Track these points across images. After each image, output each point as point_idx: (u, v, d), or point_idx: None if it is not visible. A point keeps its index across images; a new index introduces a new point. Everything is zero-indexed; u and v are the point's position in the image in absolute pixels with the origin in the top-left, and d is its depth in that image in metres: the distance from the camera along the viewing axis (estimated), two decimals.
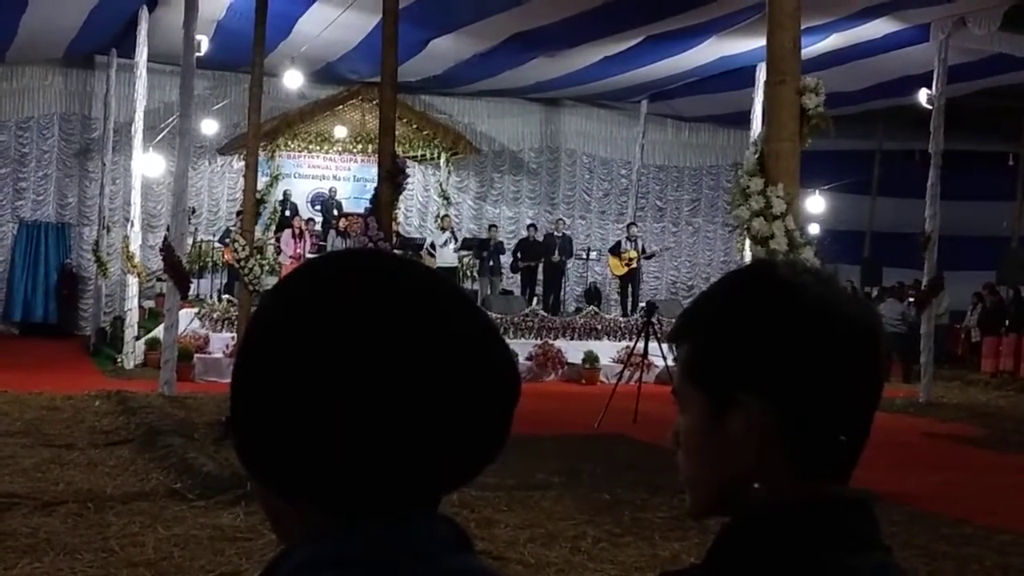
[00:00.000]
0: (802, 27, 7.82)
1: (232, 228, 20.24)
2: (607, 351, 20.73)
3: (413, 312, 1.03)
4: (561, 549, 7.53)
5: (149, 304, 21.75)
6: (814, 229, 20.63)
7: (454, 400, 1.02)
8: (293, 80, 21.82)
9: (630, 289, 23.71)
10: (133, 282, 19.82)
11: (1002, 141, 27.83)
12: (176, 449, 10.64)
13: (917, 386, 18.72)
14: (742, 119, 22.37)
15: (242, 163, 18.20)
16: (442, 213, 25.38)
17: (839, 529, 1.19)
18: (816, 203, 24.79)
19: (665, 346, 15.10)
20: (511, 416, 1.09)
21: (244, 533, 7.67)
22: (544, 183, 28.99)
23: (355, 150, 26.06)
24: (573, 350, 20.73)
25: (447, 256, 22.72)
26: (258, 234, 16.01)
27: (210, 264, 22.87)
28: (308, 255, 21.72)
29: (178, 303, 15.94)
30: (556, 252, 23.55)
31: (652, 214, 29.54)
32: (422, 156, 26.37)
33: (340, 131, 25.16)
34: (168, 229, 17.45)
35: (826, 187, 25.81)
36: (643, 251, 23.86)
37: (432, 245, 23.25)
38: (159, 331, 17.46)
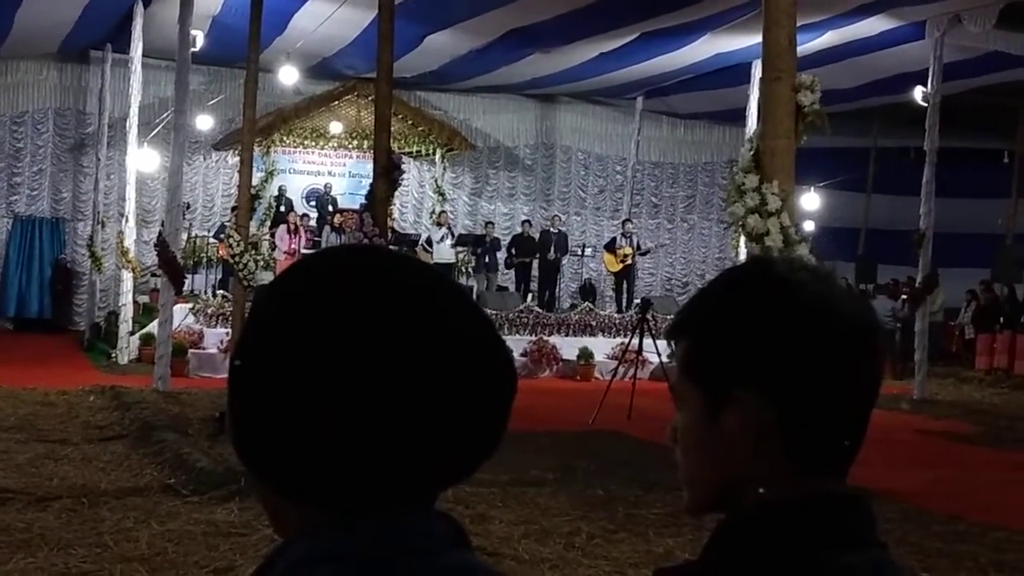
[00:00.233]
0: (798, 24, 7.83)
1: (227, 224, 20.20)
2: (602, 347, 20.74)
3: (409, 308, 1.03)
4: (555, 545, 7.53)
5: (143, 299, 21.75)
6: (809, 226, 20.62)
7: (450, 396, 1.02)
8: (288, 76, 21.79)
9: (625, 285, 23.73)
10: (127, 277, 19.79)
11: (997, 138, 27.86)
12: (170, 445, 10.63)
13: (911, 383, 18.74)
14: (737, 116, 22.37)
15: (237, 159, 18.16)
16: (439, 209, 25.36)
17: (836, 526, 1.19)
18: (811, 200, 24.80)
19: (660, 342, 15.13)
20: (508, 412, 1.09)
21: (238, 529, 7.67)
22: (539, 179, 28.99)
23: (350, 146, 26.05)
24: (568, 346, 20.73)
25: (444, 252, 22.72)
26: (253, 230, 15.99)
27: (205, 259, 22.88)
28: (303, 251, 21.71)
29: (172, 298, 15.94)
30: (552, 249, 23.56)
31: (647, 211, 29.55)
32: (417, 152, 26.35)
33: (335, 127, 25.14)
34: (163, 224, 17.45)
35: (821, 184, 25.83)
36: (638, 247, 23.87)
37: (428, 241, 23.25)
38: (153, 326, 17.47)
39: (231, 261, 16.49)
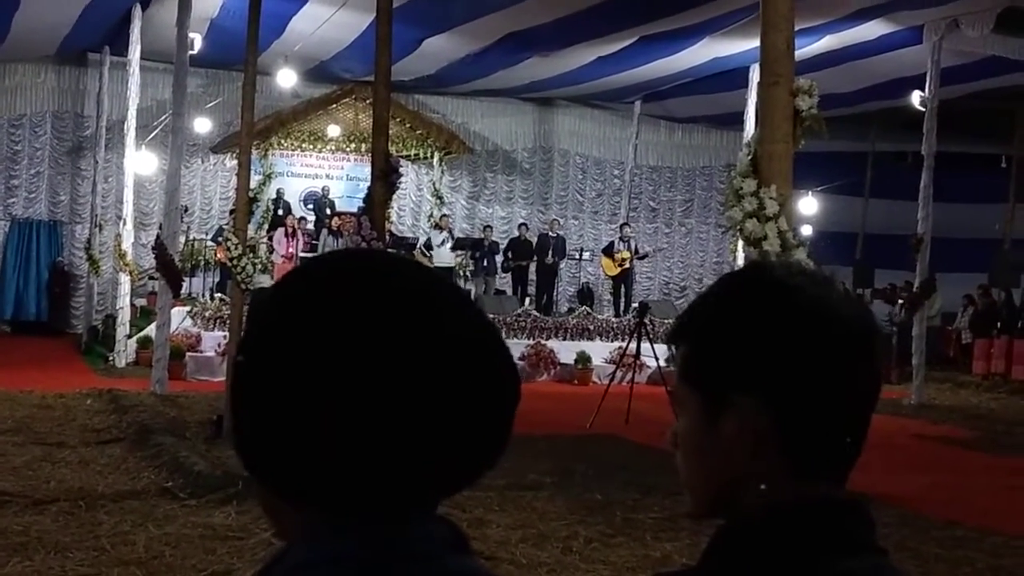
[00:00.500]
0: (796, 28, 7.83)
1: (225, 227, 20.19)
2: (599, 351, 20.73)
3: (409, 312, 1.03)
4: (553, 549, 7.53)
5: (141, 302, 21.74)
6: (807, 230, 20.67)
7: (450, 400, 1.02)
8: (286, 79, 21.80)
9: (623, 290, 23.74)
10: (125, 280, 19.77)
11: (995, 143, 27.86)
12: (167, 448, 10.63)
13: (909, 387, 18.74)
14: (735, 120, 22.38)
15: (235, 161, 18.13)
16: (440, 213, 25.36)
17: (835, 531, 1.19)
18: (809, 204, 24.80)
19: (658, 346, 15.12)
20: (511, 417, 1.09)
21: (235, 532, 7.66)
22: (537, 183, 28.98)
23: (348, 149, 26.06)
24: (565, 350, 20.73)
25: (444, 256, 22.74)
26: (251, 233, 15.95)
27: (202, 262, 22.86)
28: (301, 254, 21.73)
29: (170, 301, 15.94)
30: (549, 253, 23.57)
31: (645, 215, 29.55)
32: (415, 155, 26.35)
33: (333, 130, 25.14)
34: (160, 227, 17.45)
35: (819, 188, 25.83)
36: (636, 252, 23.88)
37: (426, 245, 23.26)
38: (151, 329, 17.46)
39: (229, 264, 16.43)
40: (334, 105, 24.95)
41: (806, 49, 17.14)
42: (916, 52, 19.12)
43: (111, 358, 19.36)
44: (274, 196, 25.02)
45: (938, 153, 18.40)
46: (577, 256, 25.28)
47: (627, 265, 23.54)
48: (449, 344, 1.03)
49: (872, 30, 19.02)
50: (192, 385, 16.82)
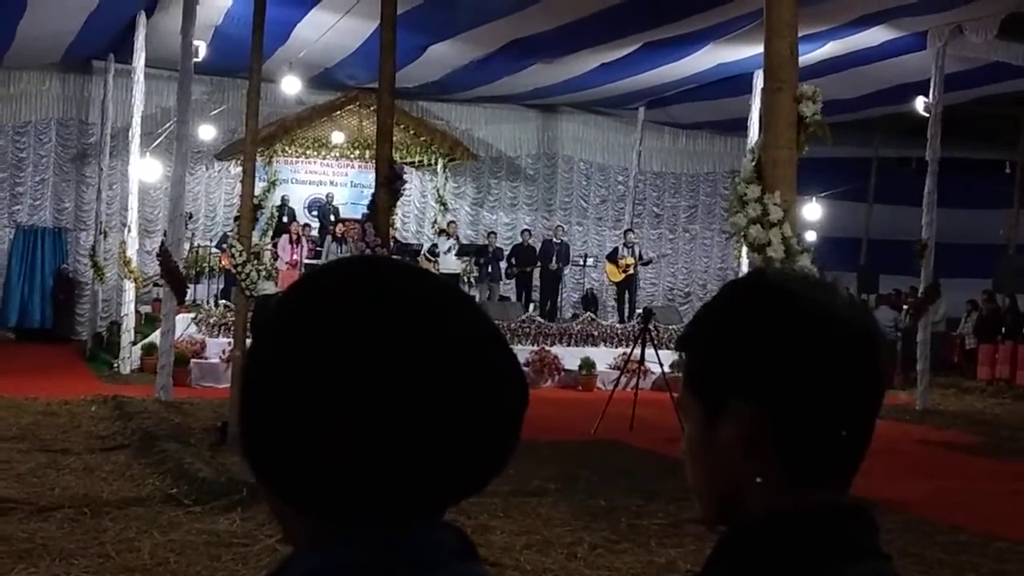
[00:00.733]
0: (799, 35, 7.83)
1: (229, 233, 20.20)
2: (604, 357, 20.72)
3: (415, 320, 1.03)
4: (557, 555, 7.53)
5: (146, 309, 21.74)
6: (811, 236, 20.64)
7: (458, 408, 1.03)
8: (291, 86, 21.82)
9: (627, 295, 23.74)
10: (130, 287, 19.78)
11: (999, 149, 27.86)
12: (172, 454, 10.63)
13: (913, 393, 18.72)
14: (739, 126, 22.38)
15: (239, 168, 18.16)
16: (447, 220, 25.37)
17: (839, 538, 1.20)
18: (813, 210, 24.82)
19: (662, 352, 15.14)
20: (518, 424, 1.09)
21: (240, 539, 7.66)
22: (541, 189, 28.98)
23: (352, 156, 26.07)
24: (570, 356, 20.72)
25: (450, 263, 22.76)
26: (255, 240, 15.96)
27: (207, 269, 22.86)
28: (305, 261, 21.75)
29: (175, 308, 15.95)
30: (553, 259, 23.58)
31: (649, 221, 29.54)
32: (419, 162, 26.36)
33: (337, 137, 25.16)
34: (165, 234, 17.44)
35: (823, 194, 25.85)
36: (640, 258, 23.89)
37: (430, 251, 23.27)
38: (155, 336, 17.46)
39: (233, 271, 16.45)
40: (338, 112, 24.96)
41: (810, 55, 17.15)
42: (920, 58, 19.12)
43: (116, 365, 19.35)
44: (278, 203, 25.04)
45: (942, 159, 18.41)
46: (581, 262, 25.28)
47: (631, 271, 23.54)
48: (456, 351, 1.04)
49: (876, 36, 19.02)
50: (196, 392, 16.82)
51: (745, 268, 13.51)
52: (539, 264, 23.73)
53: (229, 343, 17.93)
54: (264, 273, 16.46)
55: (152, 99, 21.36)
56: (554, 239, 24.24)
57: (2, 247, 24.90)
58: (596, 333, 21.56)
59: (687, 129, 29.15)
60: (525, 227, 26.16)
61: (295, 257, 21.85)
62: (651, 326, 15.64)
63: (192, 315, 19.20)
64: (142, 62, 19.09)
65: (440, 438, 1.02)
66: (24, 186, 24.96)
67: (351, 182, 26.20)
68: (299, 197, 25.76)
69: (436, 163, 26.65)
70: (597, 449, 12.55)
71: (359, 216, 22.00)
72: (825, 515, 1.21)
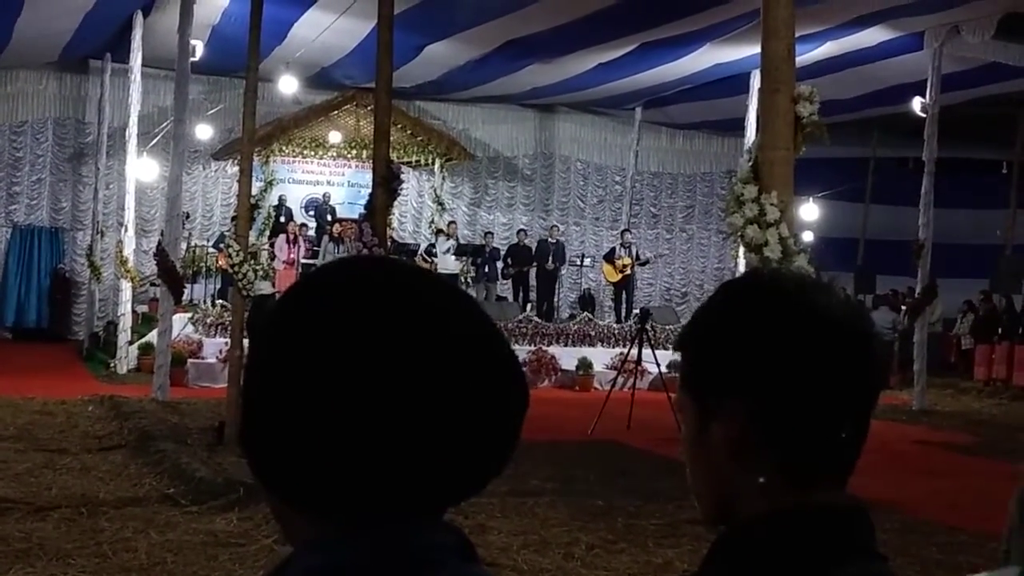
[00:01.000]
0: (797, 35, 7.83)
1: (226, 233, 20.19)
2: (601, 358, 20.73)
3: (414, 320, 1.03)
4: (554, 556, 7.53)
5: (142, 309, 21.74)
6: (808, 236, 20.65)
7: (458, 408, 1.03)
8: (288, 85, 21.82)
9: (624, 296, 23.75)
10: (127, 287, 19.78)
11: (995, 149, 27.88)
12: (169, 454, 10.63)
13: (910, 393, 18.73)
14: (736, 126, 22.39)
15: (236, 168, 18.13)
16: (447, 220, 25.37)
17: (834, 538, 1.20)
18: (810, 210, 24.81)
19: (659, 352, 15.14)
20: (518, 425, 1.09)
21: (237, 539, 7.66)
22: (538, 189, 28.99)
23: (349, 155, 26.06)
24: (567, 356, 20.73)
25: (449, 263, 22.76)
26: (252, 239, 15.96)
27: (204, 269, 22.84)
28: (302, 260, 21.74)
29: (172, 308, 15.94)
30: (549, 259, 23.58)
31: (646, 221, 29.56)
32: (416, 162, 26.36)
33: (335, 136, 25.16)
34: (162, 234, 17.44)
35: (820, 195, 25.84)
36: (637, 258, 23.89)
37: (427, 251, 23.26)
38: (152, 336, 17.46)
39: (230, 271, 16.46)
40: (335, 112, 24.96)
41: (807, 55, 17.15)
42: (917, 58, 19.14)
43: (112, 364, 19.34)
44: (276, 203, 25.03)
45: (939, 159, 18.42)
46: (578, 262, 25.29)
47: (628, 271, 23.55)
48: (456, 350, 1.04)
49: (873, 36, 19.03)
50: (193, 392, 16.82)
51: (742, 268, 13.51)
52: (535, 264, 23.73)
53: (226, 343, 17.90)
54: (261, 273, 16.48)
55: (149, 98, 21.37)
56: (549, 239, 24.25)
57: None
58: (593, 333, 21.57)
59: (684, 129, 29.17)
60: (522, 227, 26.16)
61: (292, 257, 21.85)
62: (648, 326, 15.64)
63: (189, 315, 19.20)
64: (139, 61, 19.09)
65: (440, 438, 1.02)
66: (21, 186, 24.95)
67: (348, 182, 26.20)
68: (296, 197, 25.76)
69: (433, 163, 26.65)
70: (594, 449, 12.55)
71: (356, 216, 21.99)
72: (821, 515, 1.21)
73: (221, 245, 19.44)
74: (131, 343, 19.43)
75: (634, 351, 15.42)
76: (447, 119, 27.30)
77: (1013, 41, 17.98)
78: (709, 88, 23.47)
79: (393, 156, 12.63)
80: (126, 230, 19.52)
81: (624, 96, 25.42)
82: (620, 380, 16.49)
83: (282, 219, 24.17)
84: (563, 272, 25.04)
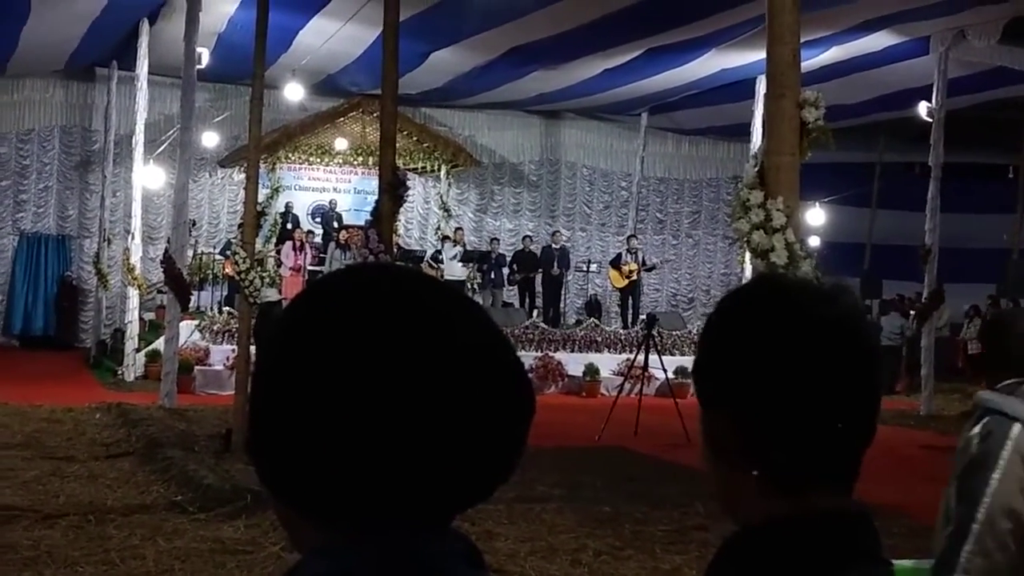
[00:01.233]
0: (802, 40, 7.82)
1: (233, 240, 20.22)
2: (608, 363, 20.72)
3: (422, 327, 1.04)
4: (562, 562, 7.52)
5: (149, 316, 21.75)
6: (814, 241, 20.63)
7: (466, 415, 1.03)
8: (294, 92, 21.85)
9: (630, 301, 23.72)
10: (133, 294, 19.81)
11: (1002, 154, 27.85)
12: (176, 462, 10.64)
13: (917, 398, 18.70)
14: (742, 131, 22.38)
15: (243, 175, 18.16)
16: (455, 227, 25.36)
17: (839, 543, 1.20)
18: (816, 215, 24.80)
19: (666, 358, 15.14)
20: (525, 431, 1.09)
21: (244, 546, 7.67)
22: (544, 195, 29.00)
23: (356, 162, 26.08)
24: (574, 362, 20.72)
25: (455, 269, 22.76)
26: (259, 246, 15.98)
27: (211, 276, 22.87)
28: (308, 267, 21.75)
29: (179, 315, 15.96)
30: (554, 264, 23.58)
31: (652, 226, 29.54)
32: (422, 168, 26.36)
33: (341, 143, 25.17)
34: (169, 241, 17.46)
35: (826, 199, 25.82)
36: (643, 263, 23.87)
37: (433, 257, 23.28)
38: (159, 343, 17.47)
39: (237, 278, 16.48)
40: (341, 118, 24.97)
41: (813, 60, 17.13)
42: (923, 63, 19.12)
43: (120, 372, 19.37)
44: (282, 210, 25.05)
45: (945, 164, 18.40)
46: (584, 268, 25.28)
47: (634, 277, 23.52)
48: (463, 357, 1.04)
49: (878, 41, 19.01)
50: (201, 399, 16.83)
51: (748, 274, 13.51)
52: (540, 270, 23.72)
53: (233, 350, 17.93)
54: (268, 280, 16.53)
55: (155, 106, 21.38)
56: (552, 244, 24.24)
57: (6, 254, 24.93)
58: (600, 339, 21.56)
59: (690, 135, 29.15)
60: (527, 233, 26.17)
61: (298, 263, 21.86)
62: (655, 332, 15.64)
63: (196, 322, 19.21)
64: (145, 69, 19.12)
65: (447, 445, 1.02)
66: (28, 193, 24.99)
67: (354, 188, 26.21)
68: (302, 204, 25.77)
69: (439, 169, 26.66)
70: (601, 455, 12.54)
71: (362, 222, 21.92)
72: (826, 520, 1.21)
73: (228, 252, 19.50)
74: (138, 350, 19.45)
75: (641, 357, 15.42)
76: (453, 125, 27.31)
77: (1019, 45, 17.95)
78: (715, 93, 23.45)
79: (399, 163, 12.62)
80: (133, 237, 19.56)
81: (630, 102, 25.41)
82: (627, 386, 16.48)
83: (288, 226, 24.19)
84: (569, 278, 25.02)
